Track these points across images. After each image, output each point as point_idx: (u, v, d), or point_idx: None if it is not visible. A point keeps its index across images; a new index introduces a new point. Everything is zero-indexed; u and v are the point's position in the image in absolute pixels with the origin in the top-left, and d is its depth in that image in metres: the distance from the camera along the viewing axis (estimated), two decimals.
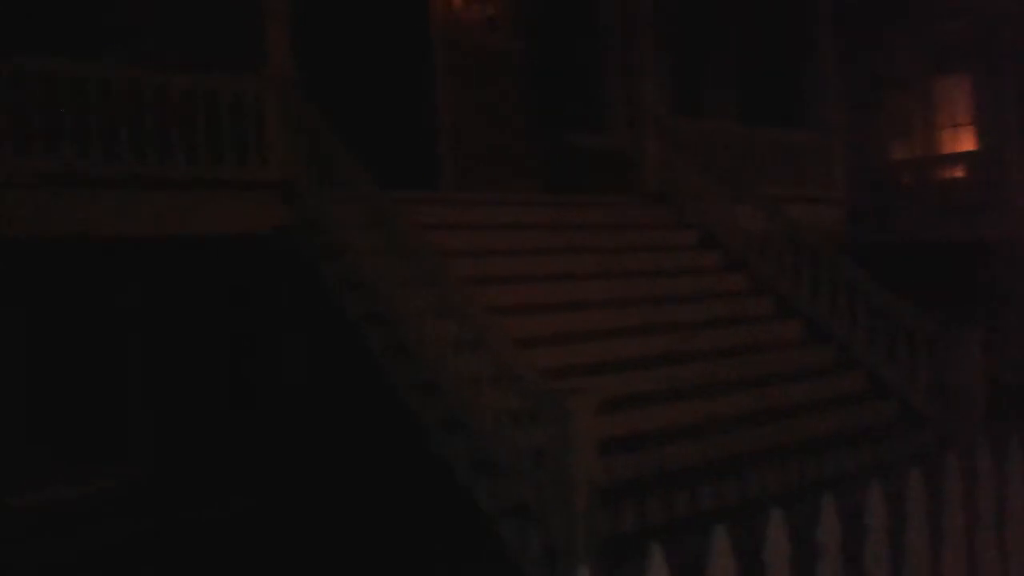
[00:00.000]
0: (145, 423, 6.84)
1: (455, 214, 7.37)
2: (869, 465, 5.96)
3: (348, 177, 6.37)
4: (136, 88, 6.31)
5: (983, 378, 6.58)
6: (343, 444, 6.29)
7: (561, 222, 7.93)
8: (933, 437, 6.51)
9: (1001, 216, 10.08)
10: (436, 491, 5.40)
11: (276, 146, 6.78)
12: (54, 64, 6.02)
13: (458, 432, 5.31)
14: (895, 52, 11.06)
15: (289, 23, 8.26)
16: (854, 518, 2.97)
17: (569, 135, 9.86)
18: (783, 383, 6.78)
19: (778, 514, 2.72)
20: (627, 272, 7.60)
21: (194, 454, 6.83)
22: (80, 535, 6.12)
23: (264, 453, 6.70)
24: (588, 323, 6.76)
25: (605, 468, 4.81)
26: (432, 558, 5.25)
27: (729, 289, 8.04)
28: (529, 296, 6.74)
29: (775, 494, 5.41)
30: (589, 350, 6.43)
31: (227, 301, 6.90)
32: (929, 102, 11.05)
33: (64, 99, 6.01)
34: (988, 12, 10.23)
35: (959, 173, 10.86)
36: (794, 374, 6.99)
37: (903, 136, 11.27)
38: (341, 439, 6.32)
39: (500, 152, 9.64)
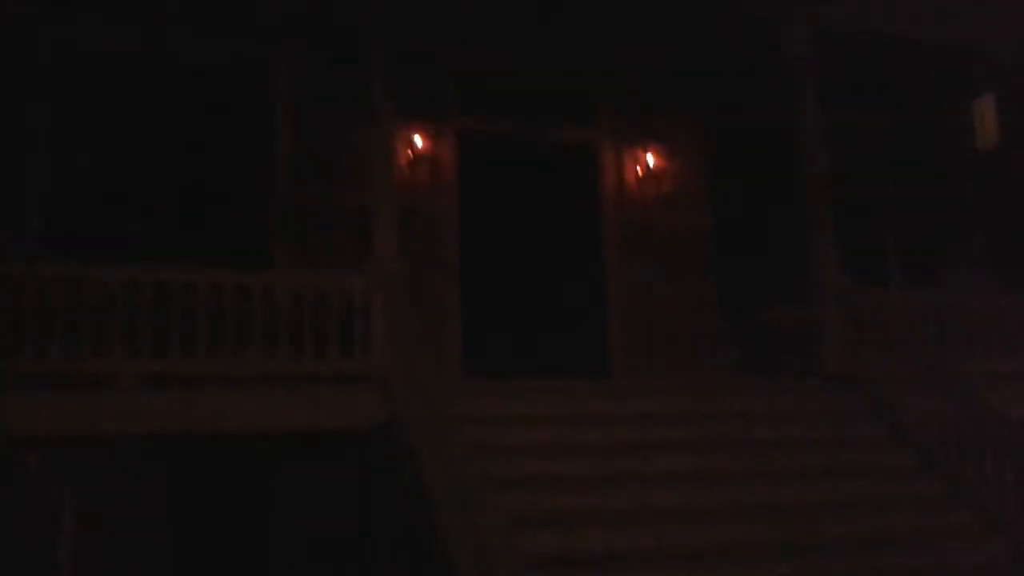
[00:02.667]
0: None
1: (552, 404, 6.74)
2: None
3: (420, 371, 6.09)
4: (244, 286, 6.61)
5: None
6: None
7: (709, 411, 7.03)
8: None
9: None
10: None
11: (378, 341, 6.71)
12: (165, 274, 6.47)
13: None
14: None
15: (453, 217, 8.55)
16: None
17: (760, 312, 8.95)
18: None
19: None
20: (778, 471, 6.51)
21: None
22: None
23: None
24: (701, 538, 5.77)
25: None
26: None
27: (920, 494, 6.62)
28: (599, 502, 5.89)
29: None
30: None
31: (324, 496, 6.80)
32: None
33: (173, 303, 6.41)
34: None
35: None
36: None
37: None
38: None
39: (681, 334, 8.96)
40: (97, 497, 7.12)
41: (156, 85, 8.02)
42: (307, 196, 8.15)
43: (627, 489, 6.01)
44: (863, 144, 9.86)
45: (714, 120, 9.43)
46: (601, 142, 9.12)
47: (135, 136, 7.97)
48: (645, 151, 9.10)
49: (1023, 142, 9.60)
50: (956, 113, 9.40)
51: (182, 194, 8.00)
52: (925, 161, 10.07)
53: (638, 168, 9.11)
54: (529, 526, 5.28)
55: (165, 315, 6.36)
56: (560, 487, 5.90)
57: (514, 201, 8.84)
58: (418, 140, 8.44)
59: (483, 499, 4.92)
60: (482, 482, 5.02)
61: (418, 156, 8.42)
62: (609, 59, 8.98)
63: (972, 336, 8.14)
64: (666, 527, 5.74)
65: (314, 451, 6.79)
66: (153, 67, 8.02)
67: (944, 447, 6.77)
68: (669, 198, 9.17)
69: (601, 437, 6.47)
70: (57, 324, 6.17)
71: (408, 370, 6.29)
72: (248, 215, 8.11)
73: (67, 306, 6.25)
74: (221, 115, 8.15)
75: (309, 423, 6.58)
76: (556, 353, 8.62)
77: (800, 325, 8.38)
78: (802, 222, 8.46)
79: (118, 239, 7.64)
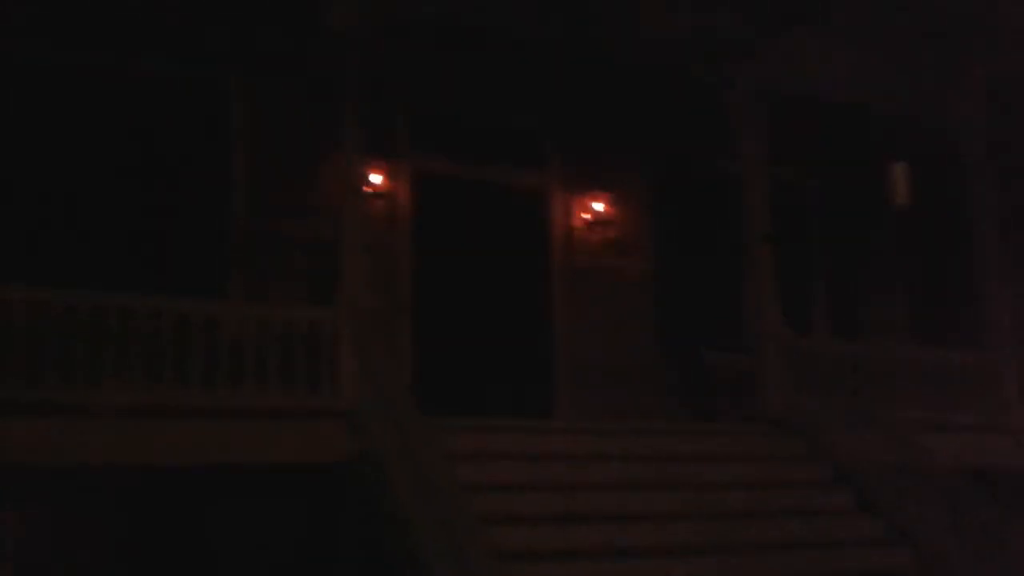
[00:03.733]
0: None
1: (523, 442, 6.91)
2: None
3: (400, 407, 6.16)
4: (212, 319, 6.55)
5: None
6: None
7: (658, 453, 7.28)
8: None
9: None
10: None
11: (346, 376, 6.74)
12: (128, 300, 6.37)
13: None
14: None
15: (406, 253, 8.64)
16: None
17: (700, 355, 9.30)
18: None
19: None
20: (727, 511, 6.79)
21: None
22: None
23: None
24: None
25: None
26: None
27: (860, 534, 6.99)
28: (561, 536, 6.09)
29: None
30: None
31: (290, 531, 6.75)
32: None
33: (137, 332, 6.32)
34: None
35: None
36: None
37: None
38: None
39: (626, 375, 9.21)
40: (41, 525, 6.89)
41: (111, 106, 7.89)
42: (264, 227, 8.13)
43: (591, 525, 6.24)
44: (796, 199, 10.38)
45: (660, 169, 9.83)
46: (551, 187, 9.38)
47: (90, 159, 7.82)
48: (593, 197, 9.40)
49: (939, 203, 10.28)
50: (879, 174, 9.99)
51: (135, 220, 7.87)
52: (851, 217, 10.67)
53: (586, 213, 9.39)
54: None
55: (126, 344, 6.26)
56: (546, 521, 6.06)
57: (467, 240, 9.01)
58: (375, 177, 8.52)
59: (473, 532, 5.04)
60: (469, 516, 5.15)
61: (375, 192, 8.50)
62: (561, 108, 9.30)
63: (899, 385, 8.62)
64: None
65: (276, 486, 6.73)
66: (110, 88, 7.90)
67: (881, 488, 7.18)
68: (615, 243, 9.48)
69: (563, 474, 6.67)
70: (17, 349, 6.00)
71: (382, 406, 6.36)
72: (203, 244, 8.03)
73: (27, 331, 6.09)
74: (178, 141, 8.08)
75: (274, 458, 6.54)
76: (503, 389, 8.78)
77: (740, 370, 8.76)
78: (740, 270, 8.88)
79: (69, 264, 7.46)
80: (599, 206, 9.41)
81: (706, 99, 8.77)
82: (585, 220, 9.41)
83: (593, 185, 9.45)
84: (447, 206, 8.95)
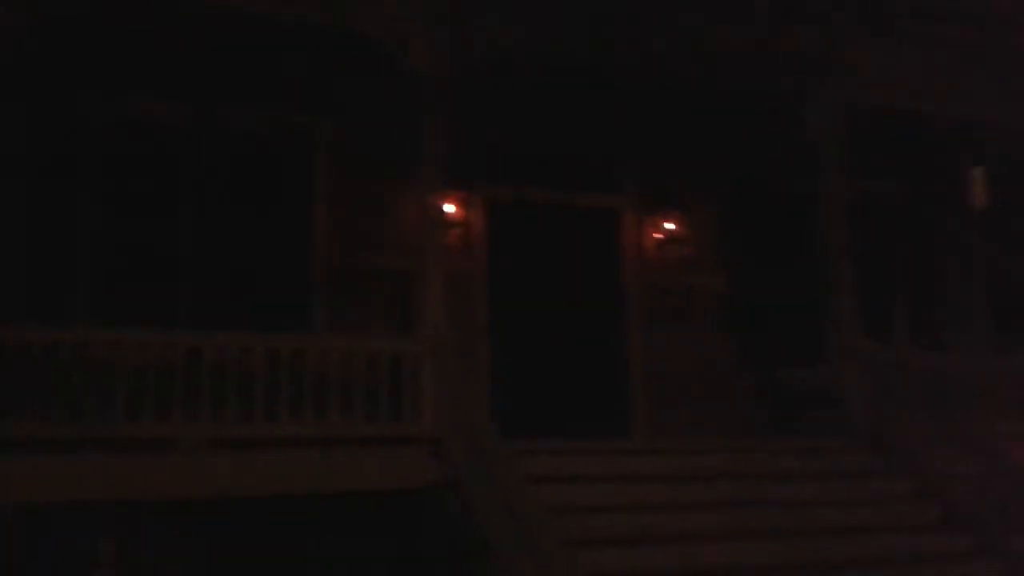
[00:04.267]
0: None
1: (602, 464, 7.01)
2: None
3: (480, 432, 6.33)
4: (300, 351, 6.83)
5: None
6: None
7: (738, 470, 7.31)
8: None
9: None
10: None
11: (428, 403, 6.94)
12: (223, 338, 6.69)
13: None
14: None
15: (482, 279, 8.83)
16: None
17: (777, 371, 9.28)
18: None
19: None
20: (813, 528, 6.78)
21: None
22: None
23: None
24: None
25: None
26: None
27: (947, 549, 6.91)
28: (642, 556, 6.16)
29: None
30: None
31: (378, 555, 6.96)
32: None
33: (229, 367, 6.63)
34: None
35: None
36: None
37: None
38: None
39: (703, 392, 9.25)
40: (137, 556, 7.23)
41: (198, 153, 8.28)
42: (345, 260, 8.40)
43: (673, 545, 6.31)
44: (871, 209, 10.28)
45: (733, 185, 9.85)
46: (624, 208, 9.49)
47: (178, 203, 8.20)
48: (666, 216, 9.47)
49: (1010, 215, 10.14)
50: (956, 180, 9.87)
51: (222, 259, 8.22)
52: (928, 226, 10.54)
53: (659, 233, 9.47)
54: None
55: (222, 379, 6.56)
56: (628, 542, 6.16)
57: (540, 264, 9.17)
58: (449, 206, 8.73)
59: (556, 554, 5.18)
60: (559, 539, 5.29)
61: (450, 221, 8.71)
62: (633, 131, 9.40)
63: (982, 396, 8.48)
64: None
65: (363, 511, 6.96)
66: (196, 135, 8.28)
67: (967, 502, 7.09)
68: (689, 261, 9.53)
69: (642, 494, 6.75)
70: (120, 388, 6.34)
71: (463, 431, 6.55)
72: (288, 280, 8.34)
73: (126, 371, 6.43)
74: (263, 183, 8.42)
75: (360, 484, 6.77)
76: (580, 410, 8.91)
77: (820, 384, 8.71)
78: (815, 284, 8.84)
79: (164, 305, 7.85)
80: (672, 225, 9.49)
81: (779, 114, 8.79)
82: (658, 239, 9.49)
83: (666, 204, 9.53)
84: (521, 232, 9.13)
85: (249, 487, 6.56)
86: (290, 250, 8.37)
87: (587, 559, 5.69)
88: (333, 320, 8.23)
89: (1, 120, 7.39)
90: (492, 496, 5.93)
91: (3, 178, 7.44)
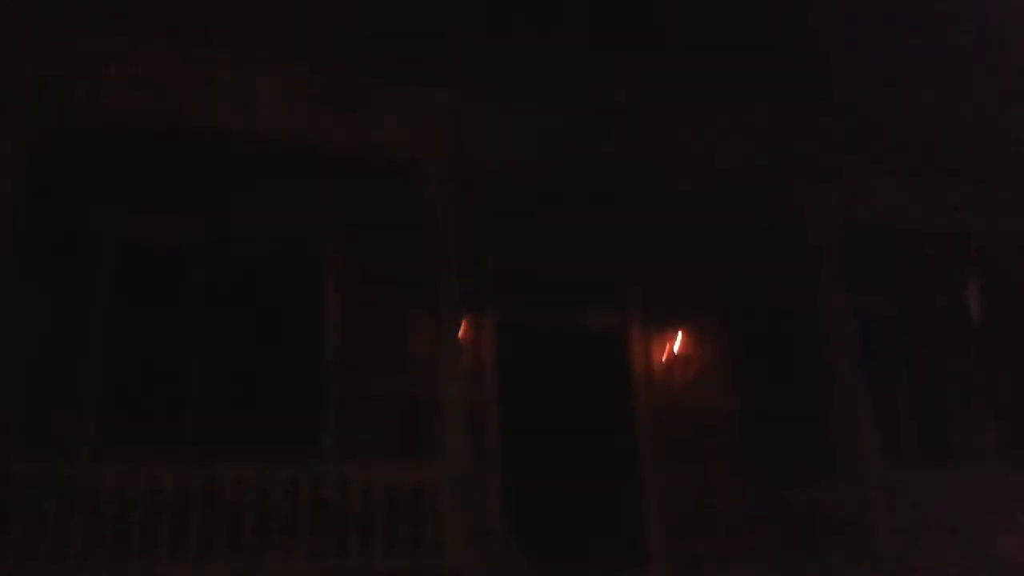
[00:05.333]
0: None
1: None
2: None
3: (502, 562, 6.13)
4: (314, 482, 6.64)
5: None
6: None
7: None
8: None
9: None
10: None
11: (448, 533, 6.74)
12: (240, 469, 6.50)
13: None
14: None
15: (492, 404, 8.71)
16: None
17: (793, 492, 9.13)
18: None
19: None
20: None
21: None
22: None
23: None
24: None
25: None
26: None
27: None
28: None
29: None
30: None
31: None
32: None
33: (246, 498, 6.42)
34: None
35: None
36: None
37: None
38: None
39: (716, 515, 9.07)
40: None
41: (208, 274, 8.19)
42: (357, 385, 8.27)
43: None
44: (872, 323, 10.35)
45: (738, 301, 9.89)
46: (631, 327, 9.47)
47: (188, 324, 8.08)
48: (673, 335, 9.46)
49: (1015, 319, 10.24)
50: (956, 294, 10.01)
51: (231, 384, 8.06)
52: (929, 339, 10.61)
53: (666, 352, 9.44)
54: None
55: (241, 511, 6.35)
56: None
57: (551, 388, 9.04)
58: (460, 329, 8.67)
59: None
60: None
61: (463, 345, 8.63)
62: (639, 251, 9.46)
63: (993, 513, 8.39)
64: None
65: None
66: (206, 257, 8.22)
67: None
68: (697, 380, 9.47)
69: None
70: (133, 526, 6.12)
71: (485, 562, 6.34)
72: (297, 405, 8.17)
73: (138, 504, 6.21)
74: (273, 307, 8.32)
75: None
76: (595, 542, 8.68)
77: (836, 507, 8.58)
78: (826, 402, 8.82)
79: (172, 433, 7.65)
80: (679, 344, 9.46)
81: (782, 230, 8.91)
82: (666, 358, 9.45)
83: (673, 323, 9.52)
84: (531, 353, 9.05)
85: None
86: (300, 375, 8.22)
87: None
88: (346, 447, 8.03)
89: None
90: None
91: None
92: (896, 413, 10.31)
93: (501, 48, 7.66)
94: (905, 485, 8.07)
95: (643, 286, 9.59)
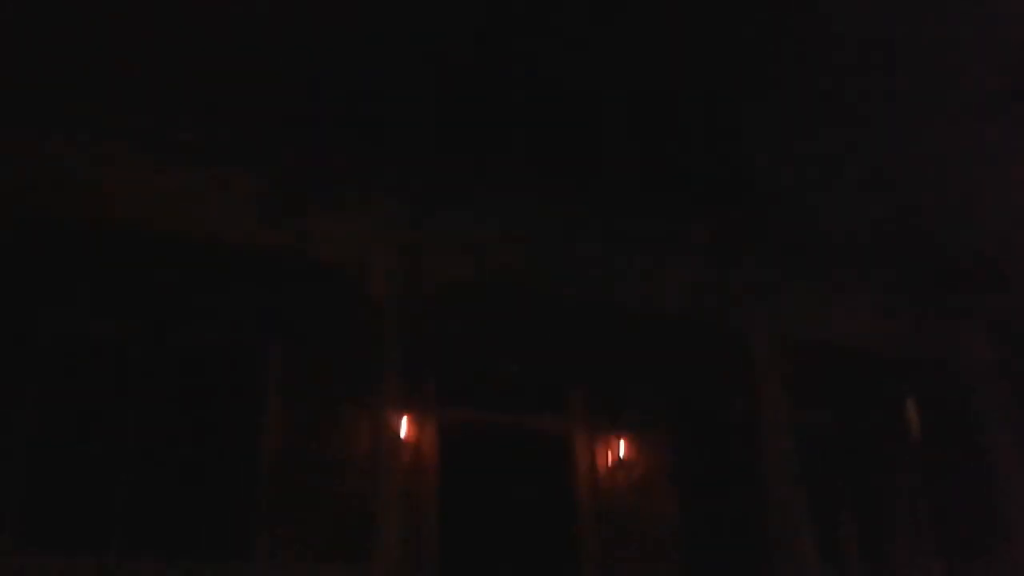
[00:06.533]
0: None
1: None
2: None
3: None
4: None
5: None
6: None
7: None
8: None
9: None
10: None
11: None
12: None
13: None
14: None
15: (432, 504, 8.61)
16: None
17: None
18: None
19: None
20: None
21: None
22: None
23: None
24: None
25: None
26: None
27: None
28: None
29: None
30: None
31: None
32: None
33: None
34: None
35: None
36: None
37: None
38: None
39: None
40: None
41: (144, 373, 8.07)
42: (292, 482, 8.13)
43: None
44: (810, 437, 10.47)
45: (680, 409, 9.96)
46: (575, 431, 9.47)
47: (115, 421, 7.91)
48: (617, 439, 9.47)
49: (948, 442, 10.45)
50: (893, 413, 10.20)
51: (163, 482, 7.88)
52: (868, 453, 10.74)
53: (610, 456, 9.44)
54: None
55: None
56: None
57: (493, 487, 8.98)
58: (401, 429, 8.61)
59: None
60: None
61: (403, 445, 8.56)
62: (583, 357, 9.54)
63: None
64: None
65: None
66: (142, 355, 8.11)
67: None
68: (640, 485, 9.46)
69: None
70: None
71: None
72: (229, 505, 8.00)
73: None
74: (208, 405, 8.20)
75: None
76: None
77: None
78: (766, 509, 8.85)
79: (98, 526, 7.44)
80: (623, 448, 9.47)
81: (724, 343, 9.05)
82: (610, 462, 9.44)
83: (616, 427, 9.54)
84: (473, 454, 9.00)
85: None
86: (234, 475, 8.06)
87: None
88: (280, 546, 7.85)
89: None
90: None
91: None
92: (835, 523, 10.36)
93: (448, 161, 7.84)
94: None
95: (588, 392, 9.64)
